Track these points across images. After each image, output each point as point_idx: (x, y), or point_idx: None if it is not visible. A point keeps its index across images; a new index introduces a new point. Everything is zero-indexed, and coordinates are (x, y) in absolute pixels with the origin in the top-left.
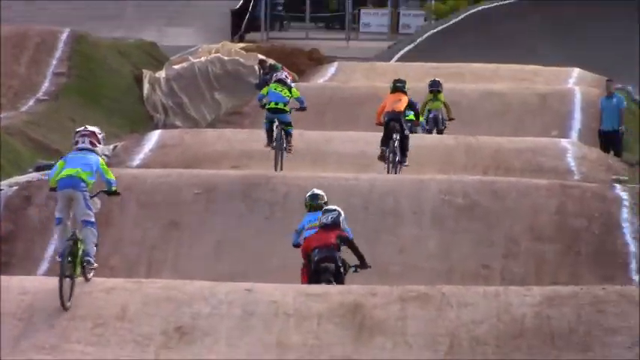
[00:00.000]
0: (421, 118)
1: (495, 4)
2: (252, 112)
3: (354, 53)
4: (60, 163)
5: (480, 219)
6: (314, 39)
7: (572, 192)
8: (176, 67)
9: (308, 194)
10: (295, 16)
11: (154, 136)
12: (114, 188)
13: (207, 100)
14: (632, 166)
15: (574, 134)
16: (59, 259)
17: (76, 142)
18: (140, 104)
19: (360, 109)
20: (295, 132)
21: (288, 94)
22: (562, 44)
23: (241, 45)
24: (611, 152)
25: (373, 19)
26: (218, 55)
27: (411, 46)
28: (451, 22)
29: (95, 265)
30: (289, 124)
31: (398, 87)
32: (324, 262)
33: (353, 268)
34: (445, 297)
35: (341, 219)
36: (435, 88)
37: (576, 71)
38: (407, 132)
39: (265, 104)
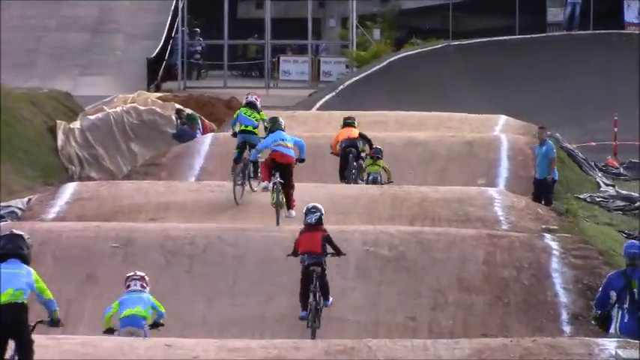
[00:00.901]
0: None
1: (418, 50)
2: (169, 163)
3: (275, 102)
4: (115, 304)
5: (407, 270)
6: (233, 87)
7: (501, 242)
8: (91, 117)
9: (270, 119)
10: (213, 64)
11: (69, 189)
12: (162, 321)
13: (124, 151)
14: (562, 215)
15: (501, 182)
16: None
17: (128, 286)
18: (54, 156)
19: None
20: (213, 183)
21: (258, 117)
22: (487, 90)
23: (158, 94)
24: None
25: (293, 66)
26: (134, 104)
27: (333, 94)
28: (374, 69)
29: None
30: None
31: (348, 123)
32: (312, 266)
33: (329, 255)
34: (372, 351)
35: (323, 218)
36: (376, 155)
37: (502, 118)
38: (363, 155)
39: (236, 132)
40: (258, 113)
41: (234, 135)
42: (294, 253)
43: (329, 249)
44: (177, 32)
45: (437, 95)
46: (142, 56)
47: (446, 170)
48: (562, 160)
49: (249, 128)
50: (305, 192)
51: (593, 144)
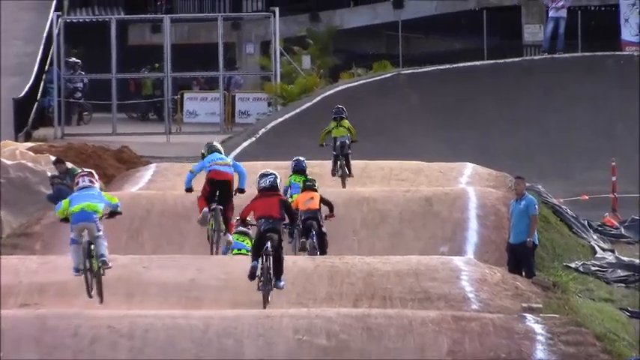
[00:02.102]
0: (321, 141)
1: (361, 81)
2: (45, 232)
3: (178, 151)
4: (65, 201)
5: None
6: (124, 134)
7: (470, 326)
8: None
9: (206, 145)
10: (99, 104)
11: None
12: (119, 209)
13: None
14: (547, 289)
15: (469, 249)
16: (75, 274)
17: (77, 183)
18: None
19: (188, 224)
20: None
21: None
22: (449, 131)
23: (28, 145)
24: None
25: (200, 105)
26: None
27: (252, 139)
28: (303, 107)
29: (110, 264)
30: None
31: (308, 186)
32: (269, 233)
33: (284, 226)
34: None
35: (278, 181)
36: (339, 115)
37: (469, 167)
38: (324, 228)
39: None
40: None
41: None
42: (243, 223)
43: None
44: (51, 65)
45: (385, 139)
46: (8, 96)
47: (399, 235)
48: (546, 218)
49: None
50: (216, 266)
51: (586, 198)
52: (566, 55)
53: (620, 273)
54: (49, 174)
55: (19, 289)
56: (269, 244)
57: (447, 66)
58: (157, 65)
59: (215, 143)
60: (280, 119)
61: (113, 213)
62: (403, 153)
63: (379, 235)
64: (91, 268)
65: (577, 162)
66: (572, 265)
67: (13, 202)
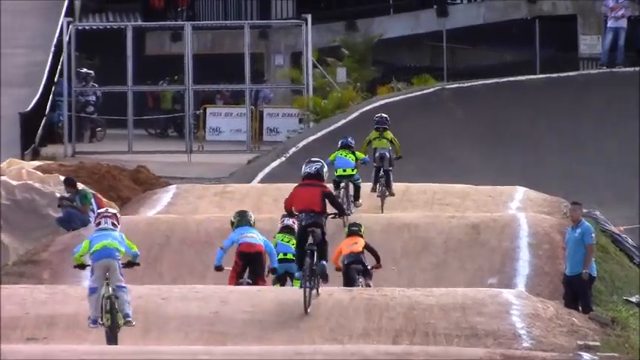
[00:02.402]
0: (362, 156)
1: (401, 96)
2: (53, 259)
3: (200, 171)
4: (85, 242)
5: None
6: (141, 152)
7: None
8: None
9: (236, 213)
10: (113, 119)
11: None
12: (137, 260)
13: None
14: (606, 326)
15: (520, 282)
16: (92, 326)
17: (98, 223)
18: None
19: (211, 252)
20: None
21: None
22: (498, 151)
23: (36, 163)
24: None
25: (225, 121)
26: (3, 178)
27: (282, 159)
28: (338, 124)
29: (134, 323)
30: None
31: (353, 231)
32: (311, 227)
33: (332, 215)
34: None
35: (324, 170)
36: (381, 125)
37: (520, 191)
38: (370, 270)
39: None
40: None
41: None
42: (289, 214)
43: (330, 208)
44: (61, 76)
45: (428, 159)
46: (14, 110)
47: (443, 265)
48: (604, 248)
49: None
50: (242, 298)
51: None
52: (627, 69)
53: None
54: (58, 195)
55: (26, 322)
56: (311, 239)
57: (496, 80)
58: (176, 77)
59: (248, 213)
60: (312, 137)
61: (131, 263)
62: (448, 175)
63: (421, 265)
64: (112, 325)
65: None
66: (633, 299)
67: (19, 226)
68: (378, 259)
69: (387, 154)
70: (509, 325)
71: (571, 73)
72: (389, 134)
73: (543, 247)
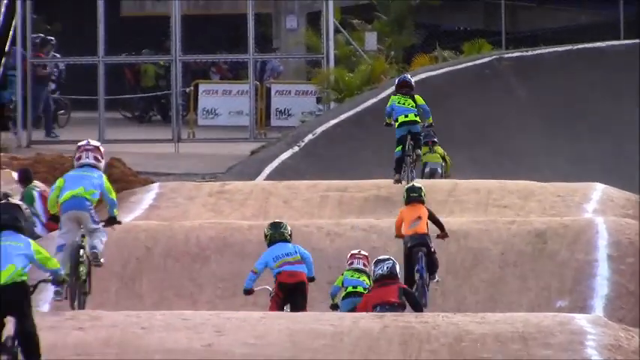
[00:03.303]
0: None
1: (448, 68)
2: None
3: (190, 165)
4: (59, 181)
5: None
6: (115, 142)
7: None
8: None
9: (270, 225)
10: (80, 99)
11: None
12: (115, 212)
13: None
14: None
15: (598, 304)
16: (57, 299)
17: (79, 158)
18: None
19: (205, 268)
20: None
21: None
22: (571, 137)
23: None
24: None
25: (222, 101)
26: None
27: (295, 149)
28: (367, 104)
29: (102, 260)
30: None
31: (413, 197)
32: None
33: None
34: None
35: (397, 268)
36: (431, 140)
37: (599, 189)
38: (434, 249)
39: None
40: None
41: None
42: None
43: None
44: (13, 44)
45: (481, 149)
46: None
47: (499, 283)
48: None
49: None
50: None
51: None
52: None
53: None
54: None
55: None
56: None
57: (569, 47)
58: (161, 45)
59: (283, 225)
60: (334, 121)
61: (111, 220)
62: (506, 169)
63: (472, 283)
64: (78, 276)
65: None
66: None
67: None
68: (442, 228)
69: (439, 170)
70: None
71: None
72: (440, 149)
73: (627, 260)
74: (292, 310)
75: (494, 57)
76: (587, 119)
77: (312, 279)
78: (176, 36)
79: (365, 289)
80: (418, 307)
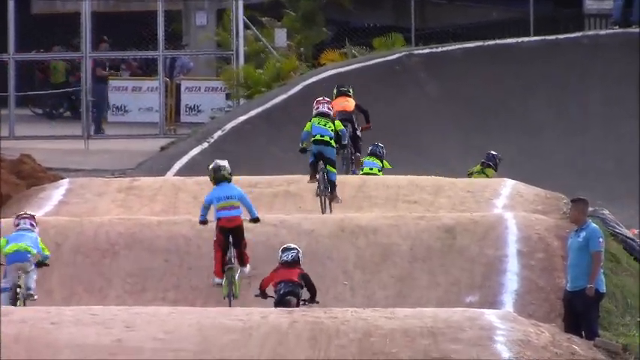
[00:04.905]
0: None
1: (357, 64)
2: None
3: (99, 162)
4: (3, 240)
5: None
6: (24, 138)
7: None
8: None
9: (210, 166)
10: None
11: None
12: (47, 262)
13: None
14: (615, 355)
15: (508, 300)
16: None
17: (17, 224)
18: None
19: (114, 262)
20: None
21: (333, 127)
22: (480, 134)
23: None
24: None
25: (132, 98)
26: None
27: (204, 145)
28: (276, 100)
29: (35, 297)
30: (333, 164)
31: (342, 91)
32: (288, 295)
33: (303, 302)
34: None
35: (300, 256)
36: (487, 162)
37: (509, 184)
38: (359, 132)
39: (305, 147)
40: (333, 123)
41: (303, 151)
42: (262, 294)
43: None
44: None
45: (391, 144)
46: None
47: (408, 279)
48: (615, 257)
49: (325, 138)
50: (153, 322)
51: None
52: None
53: None
54: None
55: None
56: (289, 304)
57: (479, 43)
58: (71, 42)
59: (224, 167)
60: (243, 117)
61: (40, 263)
62: (417, 165)
63: (381, 279)
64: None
65: None
66: None
67: None
68: (367, 117)
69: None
70: (492, 355)
71: (574, 35)
72: (491, 173)
73: (537, 255)
74: (234, 246)
75: (404, 53)
76: (498, 115)
77: (256, 219)
78: (86, 32)
79: (331, 138)
80: (313, 289)
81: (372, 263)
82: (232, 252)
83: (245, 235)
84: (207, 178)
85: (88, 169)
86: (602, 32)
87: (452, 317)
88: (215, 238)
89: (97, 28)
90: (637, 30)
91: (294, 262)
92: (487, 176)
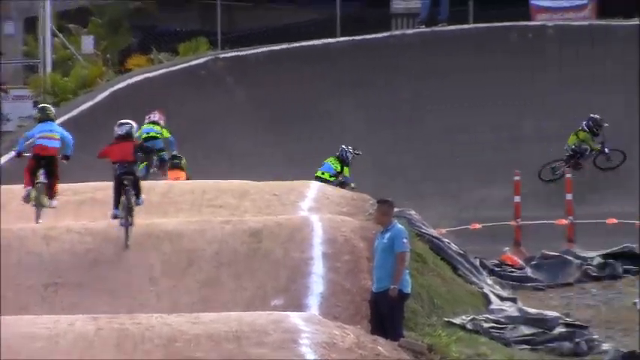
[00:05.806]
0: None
1: (164, 69)
2: None
3: None
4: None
5: None
6: None
7: None
8: None
9: (38, 109)
10: None
11: None
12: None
13: None
14: (420, 355)
15: (313, 302)
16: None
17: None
18: None
19: None
20: None
21: (162, 130)
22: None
23: None
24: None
25: None
26: None
27: (13, 154)
28: (82, 108)
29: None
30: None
31: (175, 164)
32: (125, 176)
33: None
34: None
35: (133, 130)
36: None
37: (314, 187)
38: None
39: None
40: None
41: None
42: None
43: None
44: None
45: (196, 149)
46: None
47: (214, 283)
48: (421, 257)
49: (152, 134)
50: None
51: (478, 226)
52: (453, 27)
53: (525, 330)
54: None
55: None
56: (126, 183)
57: (284, 46)
58: None
59: (49, 108)
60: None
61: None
62: (222, 169)
63: (186, 284)
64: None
65: (466, 176)
66: (457, 320)
67: None
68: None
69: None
70: (296, 358)
71: (381, 35)
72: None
73: (343, 257)
74: (46, 177)
75: (209, 57)
76: (307, 117)
77: (67, 157)
78: None
79: (157, 133)
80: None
81: (177, 269)
82: (42, 176)
83: (49, 243)
84: (15, 187)
85: None
86: (409, 31)
87: (257, 321)
88: (26, 166)
89: None
90: (445, 28)
91: (128, 136)
92: (578, 138)
